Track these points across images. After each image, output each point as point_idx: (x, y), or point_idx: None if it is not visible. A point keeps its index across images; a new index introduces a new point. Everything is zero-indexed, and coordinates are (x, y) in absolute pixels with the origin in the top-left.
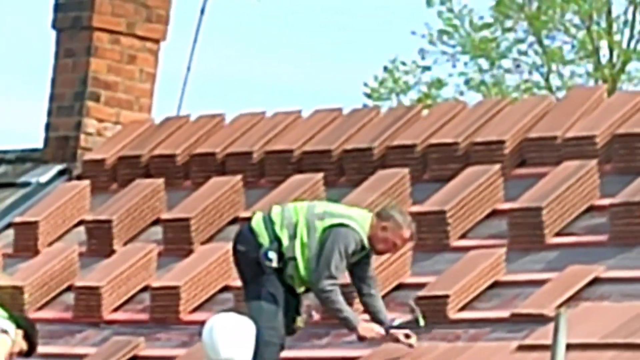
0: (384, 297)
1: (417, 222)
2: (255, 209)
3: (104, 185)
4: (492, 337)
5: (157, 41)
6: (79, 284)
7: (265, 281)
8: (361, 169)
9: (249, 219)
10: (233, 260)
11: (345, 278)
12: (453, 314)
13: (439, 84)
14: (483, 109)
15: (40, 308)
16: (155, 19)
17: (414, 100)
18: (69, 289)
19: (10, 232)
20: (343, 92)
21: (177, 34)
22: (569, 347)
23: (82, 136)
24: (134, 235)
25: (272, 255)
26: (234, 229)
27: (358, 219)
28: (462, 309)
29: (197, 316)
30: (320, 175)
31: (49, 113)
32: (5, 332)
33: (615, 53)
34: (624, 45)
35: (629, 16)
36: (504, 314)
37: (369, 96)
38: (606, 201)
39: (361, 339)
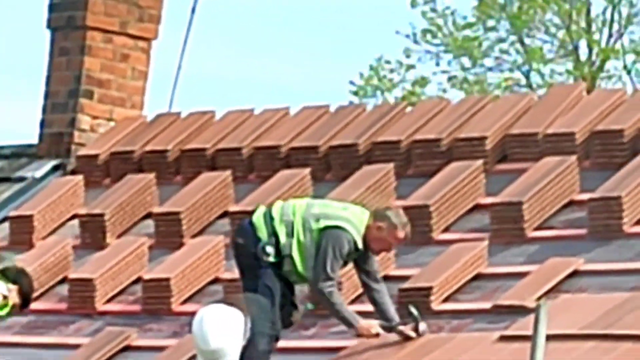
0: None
1: None
2: (245, 203)
3: (97, 180)
4: (474, 328)
5: (149, 40)
6: (72, 276)
7: (262, 274)
8: (347, 164)
9: (250, 213)
10: (233, 253)
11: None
12: (436, 306)
13: (423, 81)
14: (466, 106)
15: (35, 299)
16: (147, 19)
17: (399, 97)
18: (63, 281)
19: (6, 226)
20: (330, 89)
21: (168, 33)
22: (549, 337)
23: (76, 132)
24: (127, 229)
25: (270, 249)
26: (224, 222)
27: (353, 220)
28: (445, 300)
29: (188, 307)
30: (308, 170)
31: (44, 110)
32: None
33: (594, 52)
34: (603, 44)
35: (608, 16)
36: (486, 305)
37: (355, 94)
38: (585, 196)
39: (360, 337)
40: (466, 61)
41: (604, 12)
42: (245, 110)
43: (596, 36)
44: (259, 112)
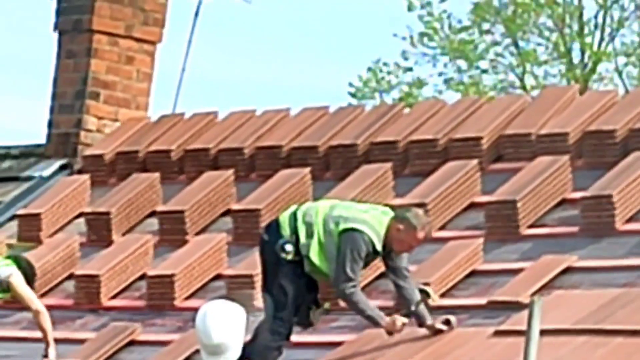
0: (366, 285)
1: None
2: (246, 201)
3: (103, 179)
4: (470, 323)
5: (153, 43)
6: (79, 272)
7: (279, 272)
8: (346, 164)
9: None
10: (259, 249)
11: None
12: (433, 301)
13: (420, 83)
14: (461, 107)
15: (42, 295)
16: (152, 22)
17: (396, 99)
18: (69, 277)
19: (15, 224)
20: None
21: (172, 36)
22: (543, 332)
23: (83, 133)
24: (132, 227)
25: (289, 248)
26: (227, 220)
27: (371, 222)
28: (442, 296)
29: (191, 303)
30: (308, 169)
31: (51, 111)
32: (11, 275)
33: (586, 54)
34: (595, 47)
35: (600, 20)
36: (481, 301)
37: (353, 95)
38: (578, 194)
39: (389, 333)
40: (462, 63)
41: (596, 16)
42: (247, 111)
43: (588, 39)
44: (260, 113)
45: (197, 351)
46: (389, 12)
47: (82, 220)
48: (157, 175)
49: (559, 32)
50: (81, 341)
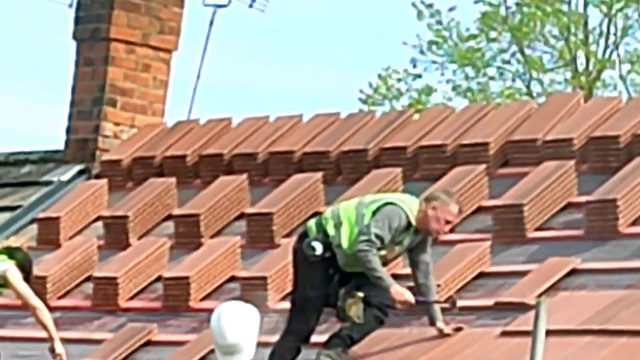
0: None
1: None
2: (260, 205)
3: (120, 183)
4: (478, 324)
5: (169, 51)
6: (97, 274)
7: (309, 273)
8: (357, 168)
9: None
10: (292, 262)
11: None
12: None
13: (429, 90)
14: (469, 114)
15: (61, 297)
16: (168, 31)
17: (406, 105)
18: (88, 279)
19: (34, 227)
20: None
21: (187, 44)
22: (549, 333)
23: (100, 138)
24: (148, 230)
25: (316, 244)
26: (241, 224)
27: (406, 201)
28: (450, 297)
29: (206, 304)
30: (320, 174)
31: (70, 117)
32: (7, 270)
33: (591, 62)
34: (599, 55)
35: (604, 28)
36: (489, 302)
37: (364, 102)
38: (582, 198)
39: (394, 302)
40: (470, 71)
41: (600, 25)
42: (261, 118)
43: (593, 47)
44: (273, 119)
45: (211, 351)
46: (398, 21)
47: (100, 223)
48: (172, 179)
49: (565, 40)
50: (99, 341)
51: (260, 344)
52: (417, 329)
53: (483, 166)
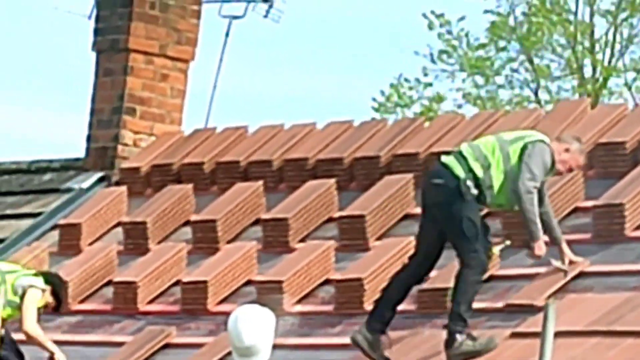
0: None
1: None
2: (275, 211)
3: (139, 190)
4: (488, 326)
5: (186, 61)
6: (117, 279)
7: (464, 209)
8: (370, 175)
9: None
10: (424, 196)
11: None
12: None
13: (440, 98)
14: (479, 121)
15: (82, 301)
16: (185, 42)
17: (417, 113)
18: (108, 283)
19: (56, 233)
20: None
21: (204, 54)
22: (557, 334)
23: (120, 147)
24: (166, 235)
25: (470, 183)
26: (256, 229)
27: (546, 140)
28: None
29: (223, 307)
30: (333, 180)
31: (90, 126)
32: (33, 286)
33: (597, 70)
34: (606, 63)
35: (610, 37)
36: (499, 304)
37: (376, 110)
38: (589, 203)
39: (533, 254)
40: (479, 79)
41: (606, 34)
42: (276, 126)
43: (599, 56)
44: (288, 127)
45: (229, 353)
46: (410, 31)
47: (119, 229)
48: (190, 186)
49: (571, 49)
50: (119, 344)
51: (276, 346)
52: (430, 330)
53: None
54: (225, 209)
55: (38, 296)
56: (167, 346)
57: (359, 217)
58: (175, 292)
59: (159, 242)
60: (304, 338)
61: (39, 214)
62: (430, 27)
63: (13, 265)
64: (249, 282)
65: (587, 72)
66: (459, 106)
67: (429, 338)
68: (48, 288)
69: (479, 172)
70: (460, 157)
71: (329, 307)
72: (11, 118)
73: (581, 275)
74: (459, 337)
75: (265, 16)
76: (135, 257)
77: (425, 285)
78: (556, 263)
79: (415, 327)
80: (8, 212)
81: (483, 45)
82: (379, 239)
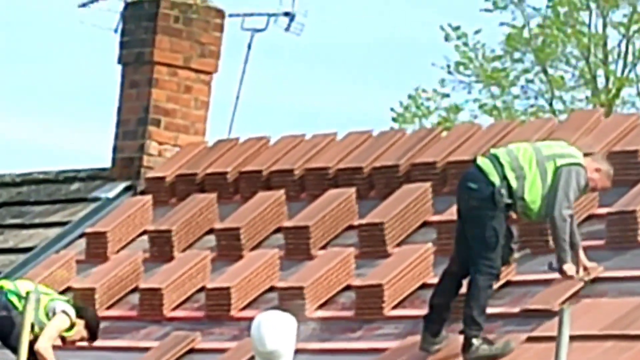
0: (409, 295)
1: (438, 231)
2: (297, 219)
3: (164, 199)
4: (504, 330)
5: (209, 73)
6: (143, 286)
7: (493, 216)
8: (389, 183)
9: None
10: (459, 197)
11: None
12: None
13: (456, 109)
14: (495, 130)
15: (109, 307)
16: (208, 54)
17: (435, 123)
18: (134, 290)
19: (83, 241)
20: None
21: (227, 66)
22: (572, 338)
23: (145, 157)
24: (191, 243)
25: (504, 192)
26: (279, 237)
27: (582, 160)
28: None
29: (246, 313)
30: (353, 189)
31: (116, 137)
32: (64, 312)
33: (610, 80)
34: (618, 73)
35: (622, 48)
36: (515, 309)
37: (395, 120)
38: (604, 210)
39: (562, 273)
40: (495, 90)
41: (619, 45)
42: (297, 136)
43: (612, 66)
44: (309, 137)
45: (252, 358)
46: (427, 44)
47: (145, 237)
48: (214, 195)
49: (585, 60)
50: (145, 349)
51: (298, 351)
52: (447, 335)
53: None
54: (248, 217)
55: (65, 324)
56: (191, 351)
57: (378, 225)
58: (199, 299)
59: (184, 250)
60: (325, 343)
61: (66, 222)
62: (447, 39)
63: (50, 289)
64: (271, 289)
65: (601, 82)
66: (476, 116)
67: (448, 342)
68: (82, 322)
69: (513, 183)
70: (497, 162)
71: (349, 313)
72: (40, 129)
73: (596, 280)
74: (476, 342)
75: (287, 29)
76: (160, 264)
77: None
78: (577, 276)
79: None
80: (37, 220)
81: (499, 57)
82: (397, 245)
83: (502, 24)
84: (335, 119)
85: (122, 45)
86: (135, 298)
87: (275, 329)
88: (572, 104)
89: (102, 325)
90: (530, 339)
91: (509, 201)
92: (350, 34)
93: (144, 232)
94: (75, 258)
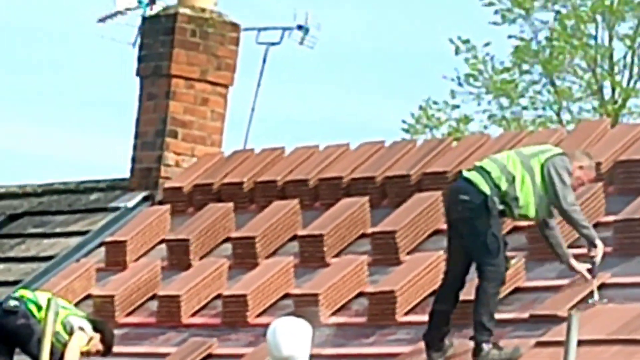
0: (420, 302)
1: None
2: (311, 227)
3: (181, 209)
4: (514, 335)
5: (226, 86)
6: (161, 293)
7: (490, 223)
8: (401, 192)
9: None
10: (449, 211)
11: None
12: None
13: (466, 120)
14: (504, 140)
15: (128, 314)
16: (224, 67)
17: (445, 133)
18: (153, 297)
19: (103, 250)
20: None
21: (242, 79)
22: (580, 343)
23: (163, 167)
24: (208, 252)
25: (496, 199)
26: (294, 245)
27: (562, 151)
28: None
29: (262, 320)
30: (366, 198)
31: (135, 148)
32: (81, 329)
33: (617, 91)
34: (625, 84)
35: (628, 60)
36: (524, 315)
37: (406, 131)
38: (610, 218)
39: (573, 268)
40: (504, 101)
41: (625, 57)
42: (311, 147)
43: (618, 77)
44: (322, 148)
45: None
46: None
47: (163, 246)
48: (230, 205)
49: (592, 71)
50: (164, 355)
51: (313, 356)
52: (458, 341)
53: None
54: (263, 226)
55: (84, 341)
56: (209, 357)
57: (390, 233)
58: (216, 305)
59: (201, 258)
60: (339, 348)
61: (86, 232)
62: (457, 52)
63: (68, 304)
64: (286, 296)
65: (607, 93)
66: (485, 127)
67: (457, 348)
68: (97, 335)
69: (504, 186)
70: (484, 172)
71: (362, 319)
72: (60, 141)
73: (603, 286)
74: (486, 347)
75: (301, 43)
76: (178, 272)
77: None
78: (591, 300)
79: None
80: (57, 230)
81: (507, 69)
82: (409, 253)
83: (510, 36)
84: (348, 130)
85: (140, 58)
86: (153, 305)
87: (291, 334)
88: (580, 115)
89: (122, 332)
90: (539, 344)
91: (501, 207)
92: (362, 47)
93: (162, 241)
94: (95, 266)
